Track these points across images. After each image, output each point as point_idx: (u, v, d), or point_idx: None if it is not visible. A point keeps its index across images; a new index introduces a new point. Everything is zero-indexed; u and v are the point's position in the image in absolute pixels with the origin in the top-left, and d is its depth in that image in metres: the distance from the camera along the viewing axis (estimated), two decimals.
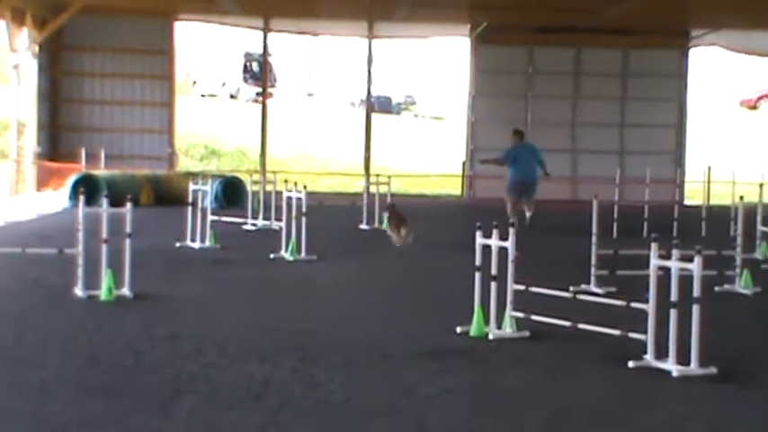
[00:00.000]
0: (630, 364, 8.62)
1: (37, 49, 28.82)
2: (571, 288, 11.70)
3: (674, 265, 8.58)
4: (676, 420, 7.33)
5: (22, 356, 8.73)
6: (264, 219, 20.04)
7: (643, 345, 8.70)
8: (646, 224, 19.31)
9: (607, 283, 12.65)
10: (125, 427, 6.82)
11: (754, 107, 51.36)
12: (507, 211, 21.06)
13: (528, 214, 21.28)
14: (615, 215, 18.63)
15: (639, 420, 7.32)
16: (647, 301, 8.70)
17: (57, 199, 25.00)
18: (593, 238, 12.97)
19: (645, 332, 8.70)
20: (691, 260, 8.45)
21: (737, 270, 13.29)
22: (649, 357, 8.65)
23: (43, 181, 29.21)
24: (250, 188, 22.17)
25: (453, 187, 33.96)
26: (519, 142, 22.18)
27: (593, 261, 12.88)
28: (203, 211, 16.87)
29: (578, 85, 32.13)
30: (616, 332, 9.06)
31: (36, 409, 7.16)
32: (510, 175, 21.77)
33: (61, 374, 8.17)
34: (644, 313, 8.73)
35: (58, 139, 30.76)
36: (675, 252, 8.58)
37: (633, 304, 8.99)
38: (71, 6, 28.23)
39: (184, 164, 37.75)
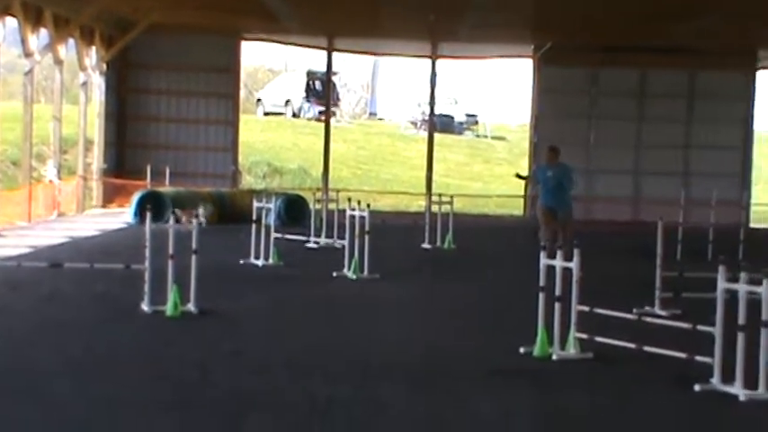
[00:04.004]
0: (697, 387, 8.54)
1: (105, 67, 29.29)
2: (635, 310, 11.64)
3: (741, 288, 8.50)
4: None
5: (92, 369, 8.87)
6: (327, 237, 20.14)
7: (709, 368, 8.63)
8: (711, 246, 19.09)
9: (672, 306, 12.54)
10: None
11: None
12: (539, 233, 18.87)
13: (560, 242, 17.01)
14: (680, 237, 18.44)
15: None
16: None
17: (122, 215, 25.35)
18: (658, 260, 12.88)
19: (711, 356, 8.63)
20: (759, 283, 8.37)
21: None
22: (716, 381, 8.57)
23: (109, 197, 29.63)
24: (312, 206, 22.30)
25: (516, 207, 33.88)
26: (549, 162, 19.55)
27: (658, 283, 12.79)
28: (267, 228, 17.00)
29: (642, 106, 31.95)
30: (682, 355, 9.00)
31: (106, 422, 7.27)
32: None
33: (130, 388, 8.27)
34: (710, 336, 8.66)
35: (123, 155, 31.19)
36: (743, 275, 8.51)
37: (699, 327, 8.92)
38: (138, 25, 28.65)
39: (247, 181, 38.05)
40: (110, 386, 8.27)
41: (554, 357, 9.72)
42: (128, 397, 7.97)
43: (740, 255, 18.34)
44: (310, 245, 19.92)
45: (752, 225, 28.81)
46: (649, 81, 31.85)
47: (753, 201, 31.18)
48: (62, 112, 26.99)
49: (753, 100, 32.31)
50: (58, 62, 26.28)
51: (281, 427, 7.25)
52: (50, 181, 26.00)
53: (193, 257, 11.69)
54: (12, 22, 23.34)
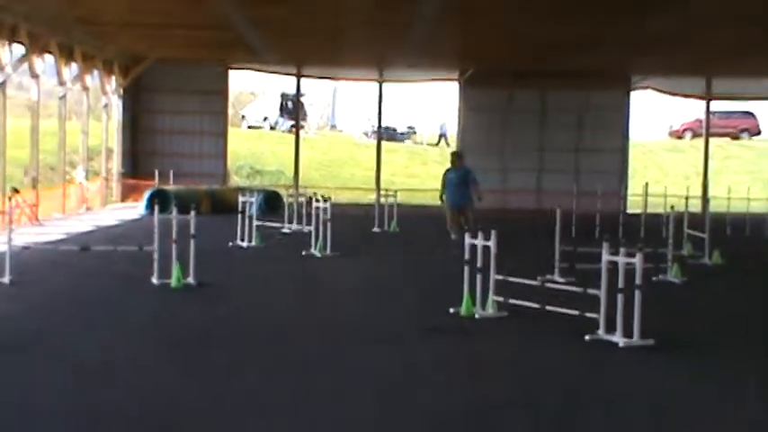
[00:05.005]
0: (586, 337, 8.64)
1: (122, 91, 28.95)
2: (539, 278, 11.72)
3: (620, 260, 8.60)
4: (621, 380, 7.36)
5: (112, 334, 8.78)
6: (298, 224, 20.03)
7: (596, 322, 8.73)
8: (598, 228, 19.28)
9: (568, 274, 12.63)
10: (203, 393, 6.87)
11: (680, 137, 51.32)
12: (447, 226, 18.70)
13: (465, 227, 16.33)
14: (573, 221, 18.61)
15: (593, 378, 7.36)
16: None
17: (136, 208, 25.08)
18: (557, 239, 12.99)
19: (598, 312, 8.72)
20: (633, 256, 8.48)
21: (669, 264, 13.31)
22: (601, 332, 8.67)
23: (126, 194, 29.30)
24: (286, 199, 22.17)
25: None
26: (455, 166, 19.17)
27: (557, 256, 12.89)
28: (250, 217, 16.90)
29: (544, 119, 32.05)
30: (575, 312, 9.08)
31: (121, 377, 7.22)
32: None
33: (143, 348, 8.21)
34: (597, 298, 8.75)
35: (137, 161, 30.78)
36: (622, 250, 8.61)
37: (589, 290, 9.01)
38: (148, 58, 28.34)
39: (234, 181, 37.75)
40: (125, 348, 8.21)
41: (477, 316, 9.77)
42: (141, 355, 7.90)
43: (620, 234, 18.52)
44: (285, 230, 19.83)
45: (628, 211, 29.07)
46: (549, 99, 31.94)
47: (629, 192, 31.45)
48: (89, 128, 26.67)
49: (628, 114, 32.56)
50: (85, 89, 25.95)
51: (275, 380, 7.23)
52: (80, 182, 25.66)
53: (192, 241, 11.60)
54: (49, 58, 23.09)
